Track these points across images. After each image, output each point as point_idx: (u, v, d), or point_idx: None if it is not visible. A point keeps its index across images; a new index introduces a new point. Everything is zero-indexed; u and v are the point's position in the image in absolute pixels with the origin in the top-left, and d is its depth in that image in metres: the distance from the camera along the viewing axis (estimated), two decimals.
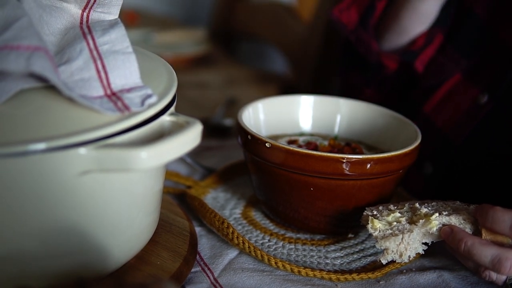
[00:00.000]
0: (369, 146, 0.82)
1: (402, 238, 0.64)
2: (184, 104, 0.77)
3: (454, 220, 0.66)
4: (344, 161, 0.67)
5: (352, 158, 0.68)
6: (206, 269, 0.68)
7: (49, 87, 0.56)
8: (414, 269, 0.69)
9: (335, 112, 0.85)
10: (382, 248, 0.65)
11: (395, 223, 0.66)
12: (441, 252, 0.70)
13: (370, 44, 0.93)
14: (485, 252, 0.62)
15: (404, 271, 0.69)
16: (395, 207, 0.69)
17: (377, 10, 0.94)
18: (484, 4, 0.90)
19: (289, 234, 0.75)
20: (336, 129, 0.85)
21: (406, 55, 0.92)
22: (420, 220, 0.66)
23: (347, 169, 0.68)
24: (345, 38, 1.00)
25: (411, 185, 0.90)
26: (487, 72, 0.87)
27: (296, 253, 0.72)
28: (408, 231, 0.65)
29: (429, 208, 0.68)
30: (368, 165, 0.68)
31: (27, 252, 0.54)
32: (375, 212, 0.68)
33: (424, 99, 0.93)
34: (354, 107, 0.85)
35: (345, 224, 0.74)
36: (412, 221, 0.66)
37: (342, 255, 0.72)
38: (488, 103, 0.84)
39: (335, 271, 0.69)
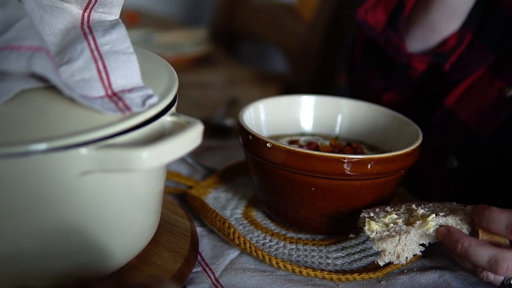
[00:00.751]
0: (370, 146, 0.82)
1: (399, 239, 0.65)
2: (185, 104, 0.77)
3: (451, 221, 0.66)
4: (345, 161, 0.67)
5: (353, 158, 0.68)
6: (207, 269, 0.68)
7: (50, 88, 0.56)
8: (415, 269, 0.69)
9: (336, 112, 0.85)
10: (379, 249, 0.65)
11: (391, 224, 0.66)
12: (442, 252, 0.70)
13: (400, 46, 0.90)
14: (482, 253, 0.62)
15: (405, 271, 0.69)
16: (392, 209, 0.69)
17: (406, 9, 0.91)
18: None
19: (290, 234, 0.75)
20: (337, 129, 0.85)
21: (438, 56, 0.89)
22: (417, 221, 0.66)
23: (348, 169, 0.68)
24: (366, 41, 0.97)
25: (431, 180, 0.89)
26: None
27: (297, 253, 0.72)
28: (405, 232, 0.65)
29: (426, 209, 0.68)
30: (369, 165, 0.68)
31: (28, 252, 0.54)
32: (371, 214, 0.68)
33: (445, 92, 0.90)
34: (355, 107, 0.85)
35: (346, 224, 0.74)
36: (409, 223, 0.66)
37: (343, 255, 0.72)
38: None
39: (336, 271, 0.69)
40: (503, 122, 0.83)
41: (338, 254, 0.72)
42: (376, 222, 0.66)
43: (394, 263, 0.66)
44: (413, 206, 0.68)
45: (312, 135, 0.85)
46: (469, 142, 0.86)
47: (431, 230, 0.65)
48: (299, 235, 0.75)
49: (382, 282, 0.67)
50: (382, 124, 0.82)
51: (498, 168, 0.84)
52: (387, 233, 0.65)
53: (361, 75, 1.01)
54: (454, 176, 0.87)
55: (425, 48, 0.91)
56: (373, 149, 0.81)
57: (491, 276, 0.64)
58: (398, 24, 0.90)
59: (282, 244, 0.73)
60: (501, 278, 0.64)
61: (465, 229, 0.66)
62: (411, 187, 0.92)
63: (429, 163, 0.90)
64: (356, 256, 0.72)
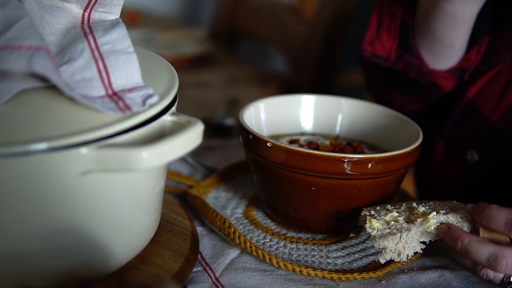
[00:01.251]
0: (371, 146, 0.82)
1: (400, 237, 0.65)
2: (185, 104, 0.77)
3: (452, 219, 0.66)
4: (346, 160, 0.67)
5: (354, 157, 0.68)
6: (207, 268, 0.68)
7: (51, 87, 0.56)
8: (415, 269, 0.69)
9: (337, 112, 0.85)
10: (381, 247, 0.65)
11: (393, 222, 0.66)
12: (443, 251, 0.70)
13: (421, 66, 0.85)
14: (482, 250, 0.63)
15: (406, 270, 0.69)
16: (393, 207, 0.69)
17: (410, 26, 0.85)
18: None
19: (290, 234, 0.75)
20: (338, 129, 0.85)
21: (460, 72, 0.85)
22: (418, 219, 0.66)
23: (348, 168, 0.68)
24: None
25: (449, 173, 0.88)
26: None
27: (298, 252, 0.72)
28: (406, 230, 0.65)
29: (427, 207, 0.68)
30: (370, 165, 0.68)
31: (29, 252, 0.54)
32: (372, 212, 0.68)
33: (469, 82, 0.86)
34: (355, 107, 0.85)
35: (347, 224, 0.74)
36: (410, 220, 0.66)
37: (343, 254, 0.72)
38: None
39: (337, 271, 0.69)
40: None
41: (338, 253, 0.72)
42: (377, 220, 0.66)
43: (395, 260, 0.66)
44: (414, 204, 0.68)
45: (313, 134, 0.85)
46: (492, 137, 0.84)
47: (432, 227, 0.65)
48: (300, 235, 0.75)
49: (382, 282, 0.67)
50: (383, 124, 0.82)
51: None
52: (388, 230, 0.65)
53: (376, 87, 0.95)
54: (474, 171, 0.86)
55: (434, 57, 0.85)
56: (374, 148, 0.81)
57: (491, 274, 0.64)
58: (411, 45, 0.84)
59: (282, 243, 0.73)
60: (501, 275, 0.64)
61: (465, 227, 0.66)
62: (426, 179, 0.91)
63: (448, 155, 0.89)
64: (357, 255, 0.72)
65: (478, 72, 0.86)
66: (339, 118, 0.85)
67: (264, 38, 1.83)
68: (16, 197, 0.51)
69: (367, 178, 0.70)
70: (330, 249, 0.73)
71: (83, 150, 0.51)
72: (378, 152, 0.74)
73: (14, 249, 0.54)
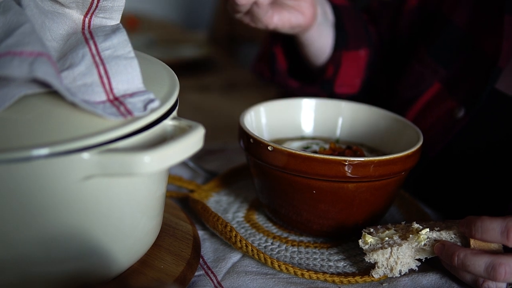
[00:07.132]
0: (371, 149, 0.82)
1: (391, 252, 0.65)
2: (185, 108, 0.78)
3: (445, 235, 0.66)
4: (346, 163, 0.68)
5: (355, 160, 0.68)
6: (209, 272, 0.68)
7: (52, 93, 0.56)
8: (417, 271, 0.69)
9: (337, 115, 0.86)
10: (372, 261, 0.66)
11: (387, 238, 0.67)
12: None
13: (287, 83, 0.98)
14: (478, 262, 0.62)
15: (407, 272, 0.69)
16: (393, 226, 0.69)
17: (278, 56, 0.97)
18: (463, 12, 0.88)
19: (292, 237, 0.75)
20: (338, 132, 0.86)
21: (323, 85, 0.96)
22: (410, 235, 0.66)
23: (349, 171, 0.68)
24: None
25: (433, 112, 0.91)
26: (465, 84, 0.86)
27: (299, 255, 0.72)
28: (397, 245, 0.65)
29: (424, 225, 0.68)
30: (370, 168, 0.68)
31: (31, 257, 0.54)
32: (371, 230, 0.69)
33: (405, 109, 0.92)
34: (355, 110, 0.85)
35: (348, 227, 0.74)
36: (404, 237, 0.67)
37: (344, 257, 0.72)
38: (464, 117, 0.84)
39: (338, 274, 0.69)
40: (450, 142, 0.84)
41: (339, 256, 0.72)
42: (373, 236, 0.67)
43: (388, 276, 0.66)
44: (414, 223, 0.68)
45: (313, 138, 0.85)
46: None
47: (422, 243, 0.66)
48: (301, 238, 0.75)
49: (384, 284, 0.67)
50: (383, 127, 0.83)
51: (442, 185, 0.87)
52: (380, 245, 0.66)
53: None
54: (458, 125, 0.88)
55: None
56: (374, 151, 0.82)
57: (493, 286, 0.64)
58: (278, 71, 0.97)
59: (284, 247, 0.74)
60: (504, 286, 0.64)
61: (459, 243, 0.66)
62: (413, 110, 0.93)
63: (441, 96, 0.92)
64: (358, 258, 0.72)
65: (409, 99, 0.91)
66: (340, 121, 0.86)
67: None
68: (18, 202, 0.52)
69: (368, 181, 0.70)
70: (332, 252, 0.73)
71: (85, 155, 0.51)
72: (378, 155, 0.74)
73: (16, 254, 0.54)
